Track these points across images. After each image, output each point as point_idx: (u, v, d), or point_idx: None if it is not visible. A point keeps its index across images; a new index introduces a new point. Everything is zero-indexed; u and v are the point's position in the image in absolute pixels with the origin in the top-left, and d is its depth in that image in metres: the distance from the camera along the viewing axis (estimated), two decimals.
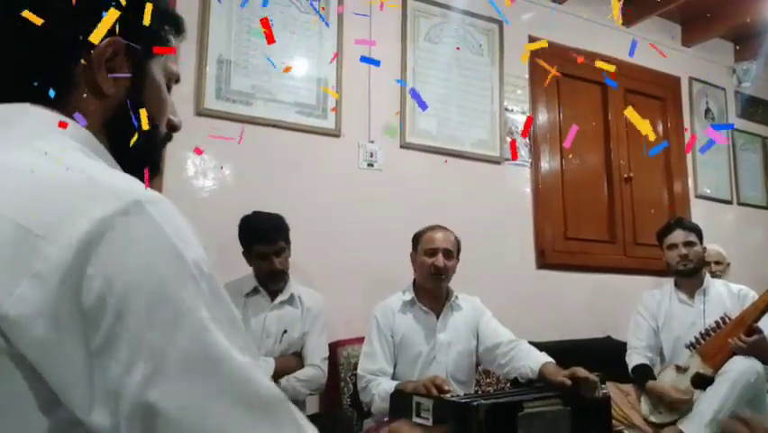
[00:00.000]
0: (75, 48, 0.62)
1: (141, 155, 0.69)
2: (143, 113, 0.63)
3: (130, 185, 0.53)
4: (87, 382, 0.47)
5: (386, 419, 1.99)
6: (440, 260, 2.22)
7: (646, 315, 2.80)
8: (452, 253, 2.27)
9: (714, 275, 3.15)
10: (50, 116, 0.61)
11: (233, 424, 0.49)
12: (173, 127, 0.75)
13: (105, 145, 0.65)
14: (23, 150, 0.55)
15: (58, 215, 0.48)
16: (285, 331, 2.29)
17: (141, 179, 0.56)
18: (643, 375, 2.61)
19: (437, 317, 2.27)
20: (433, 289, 2.28)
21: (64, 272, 0.47)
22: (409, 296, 2.29)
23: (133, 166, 0.64)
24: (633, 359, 2.70)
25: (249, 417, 0.50)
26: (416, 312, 2.27)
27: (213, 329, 0.50)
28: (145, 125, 0.65)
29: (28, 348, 0.47)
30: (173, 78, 0.74)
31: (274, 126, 2.78)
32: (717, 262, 3.33)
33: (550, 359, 2.05)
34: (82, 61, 0.62)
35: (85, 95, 0.63)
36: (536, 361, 2.04)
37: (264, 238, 2.23)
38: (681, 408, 2.42)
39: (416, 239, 2.34)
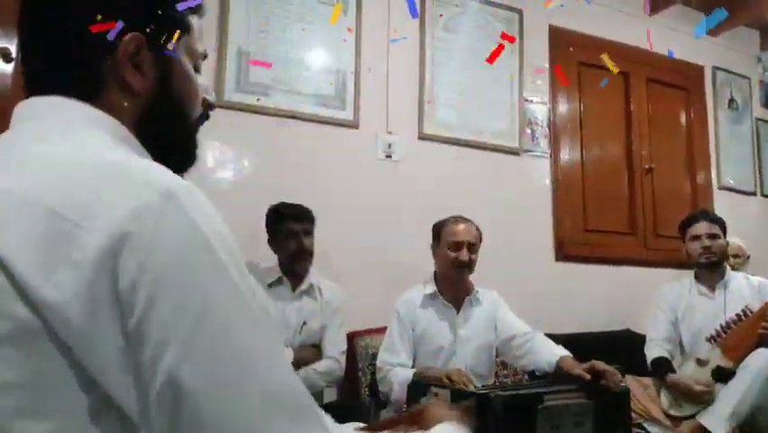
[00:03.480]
0: (100, 46, 0.62)
1: (178, 146, 0.71)
2: (176, 104, 0.64)
3: (162, 174, 0.55)
4: (122, 364, 0.49)
5: (405, 408, 2.00)
6: (464, 254, 2.20)
7: (665, 307, 2.77)
8: (476, 247, 2.26)
9: (733, 269, 3.11)
10: (84, 109, 0.62)
11: (257, 414, 0.50)
12: (209, 106, 0.76)
13: (140, 138, 0.66)
14: (59, 141, 0.57)
15: (93, 204, 0.50)
16: (304, 323, 2.31)
17: (177, 169, 0.57)
18: (662, 368, 2.59)
19: (458, 312, 2.26)
20: (455, 280, 2.26)
21: (100, 259, 0.48)
22: (431, 289, 2.27)
23: (170, 156, 0.65)
24: (652, 352, 2.68)
25: (272, 410, 0.51)
26: (438, 306, 2.26)
27: (240, 317, 0.52)
28: (179, 116, 0.65)
29: (66, 332, 0.49)
30: (200, 57, 0.74)
31: (293, 118, 2.78)
32: (735, 256, 3.27)
33: (567, 352, 2.03)
34: (108, 60, 0.63)
35: (116, 92, 0.65)
36: (553, 354, 2.02)
37: (295, 216, 2.31)
38: (702, 400, 2.40)
39: (438, 231, 2.31)
